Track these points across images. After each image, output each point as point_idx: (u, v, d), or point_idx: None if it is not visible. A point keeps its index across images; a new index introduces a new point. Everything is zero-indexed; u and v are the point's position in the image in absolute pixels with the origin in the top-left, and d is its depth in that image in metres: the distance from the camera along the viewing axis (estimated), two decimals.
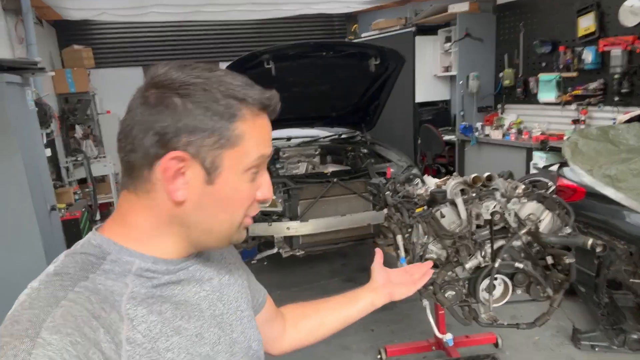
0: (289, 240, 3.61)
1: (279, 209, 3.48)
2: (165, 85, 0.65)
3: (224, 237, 0.73)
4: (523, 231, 2.07)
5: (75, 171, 6.03)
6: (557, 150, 4.57)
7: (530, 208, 2.19)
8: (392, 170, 3.88)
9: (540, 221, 2.13)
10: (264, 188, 0.73)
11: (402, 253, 2.15)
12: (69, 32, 6.98)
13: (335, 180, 3.60)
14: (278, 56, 3.47)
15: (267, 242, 3.75)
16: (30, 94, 2.99)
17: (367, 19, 7.89)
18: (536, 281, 2.14)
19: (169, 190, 0.66)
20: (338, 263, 4.55)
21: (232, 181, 0.68)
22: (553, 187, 3.89)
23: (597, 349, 2.93)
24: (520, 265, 2.07)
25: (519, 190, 2.29)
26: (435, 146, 6.47)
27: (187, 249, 0.73)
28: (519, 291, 2.18)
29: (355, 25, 8.25)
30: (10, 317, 0.57)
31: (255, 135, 0.68)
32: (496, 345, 3.04)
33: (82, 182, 6.15)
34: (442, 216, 2.13)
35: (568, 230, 2.15)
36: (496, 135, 5.46)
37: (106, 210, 6.16)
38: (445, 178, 2.41)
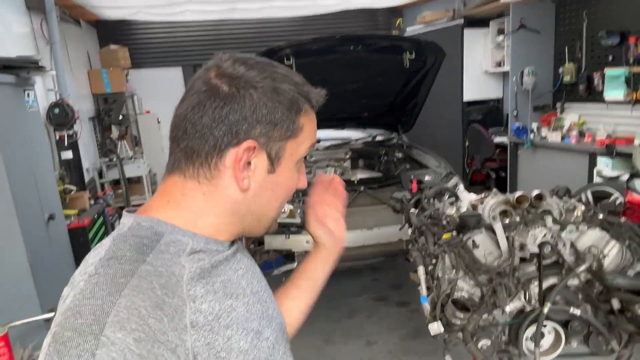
0: None
1: (298, 220, 3.14)
2: (236, 77, 0.68)
3: (268, 225, 0.77)
4: (581, 268, 1.62)
5: (109, 172, 5.99)
6: (625, 155, 3.99)
7: (591, 237, 1.72)
8: (428, 178, 3.44)
9: (604, 256, 1.66)
10: (303, 176, 0.79)
11: (423, 290, 1.74)
12: (109, 33, 6.96)
13: (362, 189, 3.22)
14: (299, 51, 3.13)
15: (290, 254, 3.44)
16: (33, 94, 2.80)
17: (413, 12, 7.42)
18: (597, 331, 1.67)
19: (237, 178, 0.69)
20: (368, 278, 4.16)
21: (287, 170, 0.73)
22: (620, 201, 3.32)
23: None
24: (577, 312, 1.62)
25: (577, 213, 1.83)
26: (484, 149, 5.94)
27: (235, 234, 0.75)
28: (574, 342, 1.72)
29: (399, 20, 7.78)
30: (72, 307, 0.56)
31: (310, 127, 0.74)
32: None
33: (117, 183, 6.12)
34: (476, 246, 1.71)
35: None
36: (554, 137, 4.87)
37: None
38: (482, 195, 1.97)
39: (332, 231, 1.02)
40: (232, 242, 0.76)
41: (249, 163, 0.69)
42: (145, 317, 0.56)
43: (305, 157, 0.79)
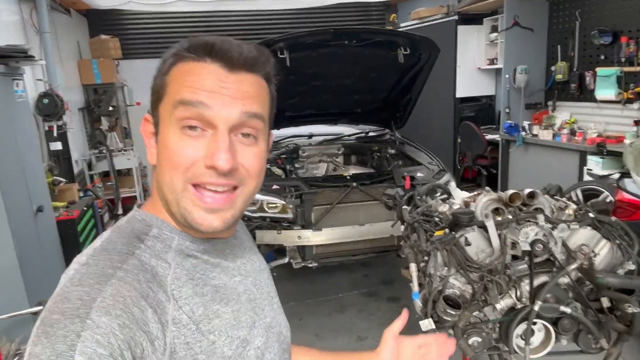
0: (302, 250, 3.26)
1: (289, 215, 3.12)
2: None
3: (177, 211, 0.66)
4: (572, 267, 1.62)
5: (98, 164, 5.93)
6: (615, 154, 4.02)
7: (582, 236, 1.73)
8: (420, 175, 3.44)
9: (595, 255, 1.67)
10: (210, 150, 0.64)
11: (415, 287, 1.74)
12: (100, 23, 6.89)
13: (354, 184, 3.21)
14: (293, 45, 3.10)
15: (281, 249, 3.43)
16: (22, 84, 2.75)
17: (407, 7, 7.43)
18: (587, 329, 1.68)
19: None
20: (359, 273, 4.16)
21: (163, 135, 0.66)
22: (610, 200, 3.34)
23: None
24: (567, 310, 1.63)
25: (569, 212, 1.83)
26: (476, 146, 5.96)
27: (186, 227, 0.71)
28: (564, 340, 1.73)
29: (393, 15, 7.77)
30: (60, 293, 0.57)
31: (175, 80, 0.66)
32: None
33: (107, 175, 6.06)
34: (468, 243, 1.71)
35: (631, 266, 1.69)
36: (545, 135, 4.90)
37: (130, 204, 5.99)
38: (475, 193, 1.97)
39: (397, 349, 0.95)
40: (222, 240, 0.74)
41: (154, 134, 0.69)
42: (130, 306, 0.57)
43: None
